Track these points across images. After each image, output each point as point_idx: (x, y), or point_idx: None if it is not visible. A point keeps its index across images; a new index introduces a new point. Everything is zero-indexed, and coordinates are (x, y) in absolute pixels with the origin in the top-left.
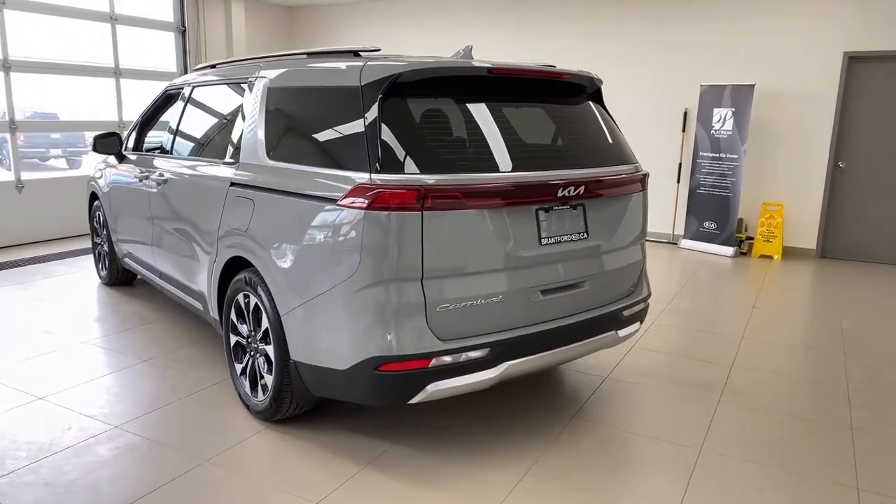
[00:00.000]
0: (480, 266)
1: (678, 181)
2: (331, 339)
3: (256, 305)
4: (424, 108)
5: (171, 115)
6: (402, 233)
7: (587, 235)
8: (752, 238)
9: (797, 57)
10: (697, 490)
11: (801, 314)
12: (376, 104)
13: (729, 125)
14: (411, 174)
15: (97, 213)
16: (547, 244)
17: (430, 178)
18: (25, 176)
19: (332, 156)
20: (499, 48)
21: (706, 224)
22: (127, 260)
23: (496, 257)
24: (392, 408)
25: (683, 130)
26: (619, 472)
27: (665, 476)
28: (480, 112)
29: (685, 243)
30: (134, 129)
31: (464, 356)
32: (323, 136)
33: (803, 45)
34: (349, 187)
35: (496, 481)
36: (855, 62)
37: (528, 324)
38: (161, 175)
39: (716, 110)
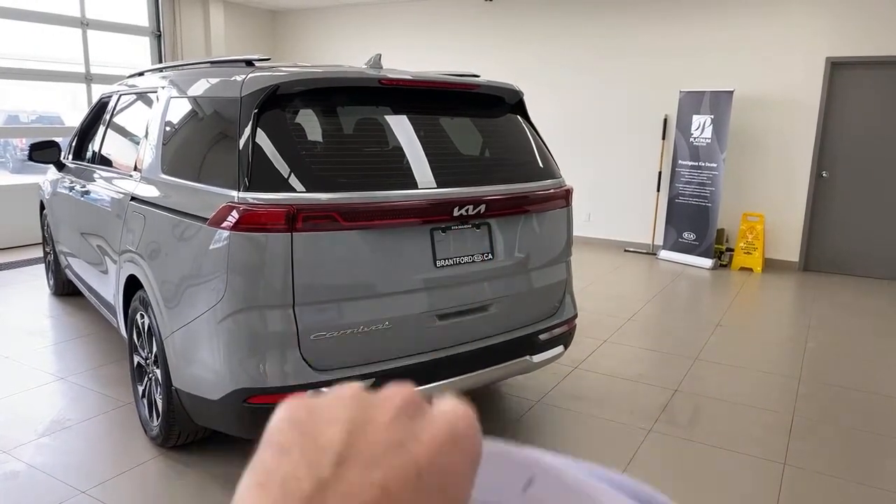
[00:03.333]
0: (363, 291)
1: (658, 190)
2: (203, 368)
3: (150, 326)
4: (307, 121)
5: (100, 125)
6: (270, 256)
7: (492, 256)
8: (732, 250)
9: (778, 62)
10: None
11: (766, 333)
12: (252, 117)
13: (708, 133)
14: (283, 192)
15: (46, 222)
16: (443, 266)
17: (303, 198)
18: (3, 180)
19: (212, 172)
20: (477, 54)
21: (685, 235)
22: (67, 270)
23: (382, 281)
24: None
25: (664, 138)
26: None
27: None
28: (372, 126)
29: (664, 254)
30: (74, 137)
31: None
32: (206, 151)
33: (785, 51)
34: (219, 205)
35: None
36: (838, 68)
37: (422, 351)
38: (83, 186)
39: (695, 117)
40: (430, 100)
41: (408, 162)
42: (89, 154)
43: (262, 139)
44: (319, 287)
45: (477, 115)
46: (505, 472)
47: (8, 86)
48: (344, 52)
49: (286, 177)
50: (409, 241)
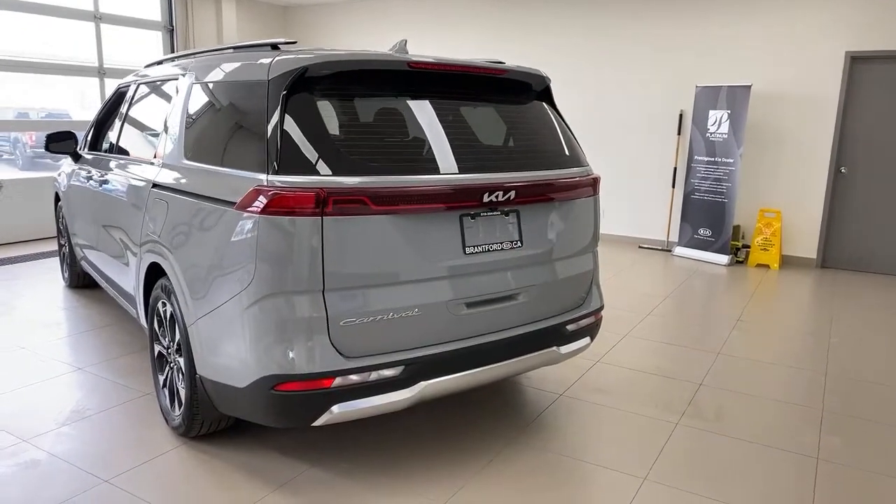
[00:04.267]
0: (393, 277)
1: (673, 186)
2: (228, 355)
3: (172, 315)
4: (335, 104)
5: (118, 115)
6: (299, 240)
7: (521, 244)
8: (748, 246)
9: (797, 56)
10: None
11: (788, 329)
12: (280, 100)
13: (725, 128)
14: (313, 176)
15: (60, 214)
16: (472, 253)
17: (333, 181)
18: (14, 175)
19: (238, 156)
20: (490, 49)
21: (701, 231)
22: (83, 262)
23: (411, 268)
24: (303, 428)
25: (679, 133)
26: None
27: None
28: (401, 110)
29: (679, 251)
30: (90, 128)
31: (373, 375)
32: (232, 135)
33: (803, 45)
34: (247, 189)
35: None
36: (858, 62)
37: (451, 339)
38: (101, 175)
39: (711, 112)
40: (457, 85)
41: (437, 147)
42: (107, 144)
43: (291, 122)
44: (349, 272)
45: (504, 102)
46: None
47: (17, 83)
48: (355, 47)
49: (315, 160)
50: (439, 227)
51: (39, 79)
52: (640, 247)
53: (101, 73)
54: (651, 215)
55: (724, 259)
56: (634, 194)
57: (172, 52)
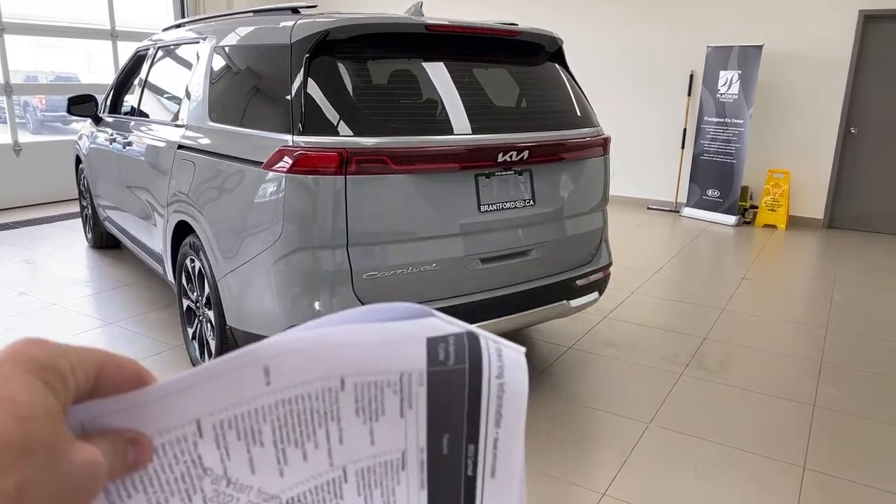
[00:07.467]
0: (412, 233)
1: (682, 147)
2: (258, 306)
3: (200, 270)
4: (356, 67)
5: (138, 78)
6: (325, 198)
7: (533, 203)
8: (756, 207)
9: (809, 15)
10: (632, 468)
11: (792, 287)
12: (303, 62)
13: (735, 89)
14: (336, 136)
15: (82, 176)
16: (487, 211)
17: (355, 142)
18: (24, 139)
19: (263, 117)
20: (494, 7)
21: (709, 192)
22: (107, 223)
23: (429, 224)
24: None
25: (689, 94)
26: (557, 447)
27: (604, 453)
28: (419, 72)
29: (687, 211)
30: (110, 91)
31: None
32: (257, 97)
33: (816, 3)
34: (273, 150)
35: None
36: (871, 21)
37: (466, 293)
38: (125, 138)
39: (721, 73)
40: (472, 47)
41: (452, 108)
42: (128, 107)
43: (314, 85)
44: (371, 229)
45: (517, 63)
46: (238, 377)
47: (27, 48)
48: (373, 10)
49: (338, 121)
50: (455, 186)
51: (42, 41)
52: (648, 208)
53: (114, 35)
54: (660, 177)
55: (731, 220)
56: (643, 156)
57: (183, 14)
